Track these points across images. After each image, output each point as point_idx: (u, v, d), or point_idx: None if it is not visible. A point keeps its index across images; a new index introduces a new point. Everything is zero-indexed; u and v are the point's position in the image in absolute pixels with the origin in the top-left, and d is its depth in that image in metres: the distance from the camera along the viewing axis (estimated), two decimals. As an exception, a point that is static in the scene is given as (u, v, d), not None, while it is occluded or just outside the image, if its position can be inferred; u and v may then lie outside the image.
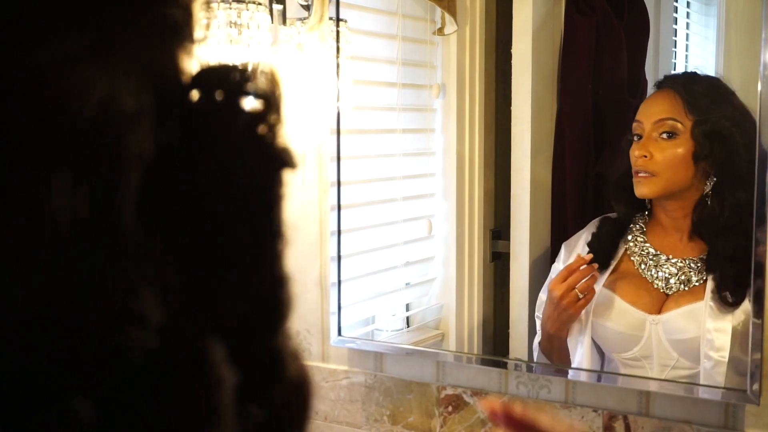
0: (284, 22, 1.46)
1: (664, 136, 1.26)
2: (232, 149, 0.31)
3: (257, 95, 0.31)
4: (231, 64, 0.31)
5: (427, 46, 1.50)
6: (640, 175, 1.27)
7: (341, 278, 1.51)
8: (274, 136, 0.31)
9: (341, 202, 1.50)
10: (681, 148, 1.25)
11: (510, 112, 1.41)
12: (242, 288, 0.31)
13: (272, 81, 0.32)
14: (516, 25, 1.39)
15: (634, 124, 1.30)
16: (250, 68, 0.32)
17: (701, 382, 1.23)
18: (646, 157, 1.26)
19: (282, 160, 0.31)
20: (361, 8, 1.51)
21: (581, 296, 1.30)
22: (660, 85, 1.31)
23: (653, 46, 1.38)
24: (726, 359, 1.21)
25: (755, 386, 1.17)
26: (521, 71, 1.40)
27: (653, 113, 1.28)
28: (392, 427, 1.50)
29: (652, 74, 1.37)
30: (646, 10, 1.36)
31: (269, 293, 0.32)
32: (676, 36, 1.38)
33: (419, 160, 1.54)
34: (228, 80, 0.31)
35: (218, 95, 0.31)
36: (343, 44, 1.46)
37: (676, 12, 1.39)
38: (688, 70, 1.37)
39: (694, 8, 1.39)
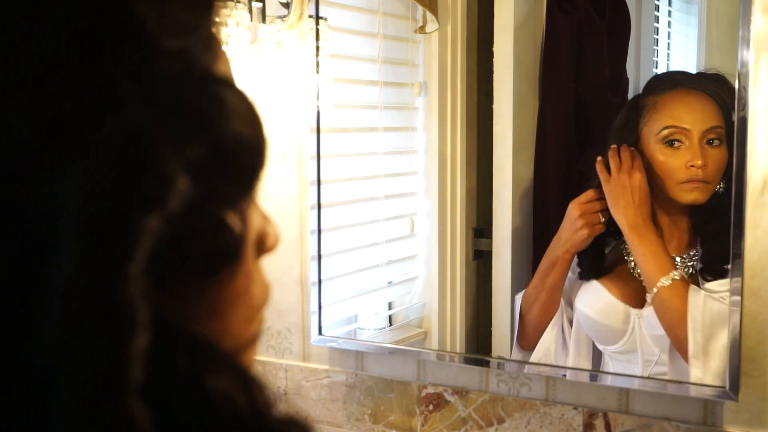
0: (263, 19, 1.45)
1: (715, 143, 1.23)
2: None
3: None
4: None
5: (409, 44, 1.50)
6: (693, 183, 1.24)
7: (322, 277, 1.50)
8: None
9: (321, 201, 1.49)
10: (724, 155, 1.23)
11: (492, 110, 1.41)
12: None
13: None
14: (498, 23, 1.39)
15: (671, 130, 1.25)
16: None
17: (681, 379, 1.23)
18: (707, 166, 1.23)
19: None
20: (341, 6, 1.50)
21: (602, 220, 1.30)
22: (684, 85, 1.28)
23: (635, 44, 1.37)
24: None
25: (733, 383, 1.17)
26: (503, 69, 1.40)
27: (701, 120, 1.24)
28: (373, 426, 1.50)
29: (633, 72, 1.37)
30: (627, 8, 1.36)
31: None
32: (657, 34, 1.38)
33: (401, 158, 1.54)
34: None
35: None
36: (323, 42, 1.45)
37: (658, 11, 1.38)
38: (709, 71, 1.28)
39: (675, 6, 1.39)
